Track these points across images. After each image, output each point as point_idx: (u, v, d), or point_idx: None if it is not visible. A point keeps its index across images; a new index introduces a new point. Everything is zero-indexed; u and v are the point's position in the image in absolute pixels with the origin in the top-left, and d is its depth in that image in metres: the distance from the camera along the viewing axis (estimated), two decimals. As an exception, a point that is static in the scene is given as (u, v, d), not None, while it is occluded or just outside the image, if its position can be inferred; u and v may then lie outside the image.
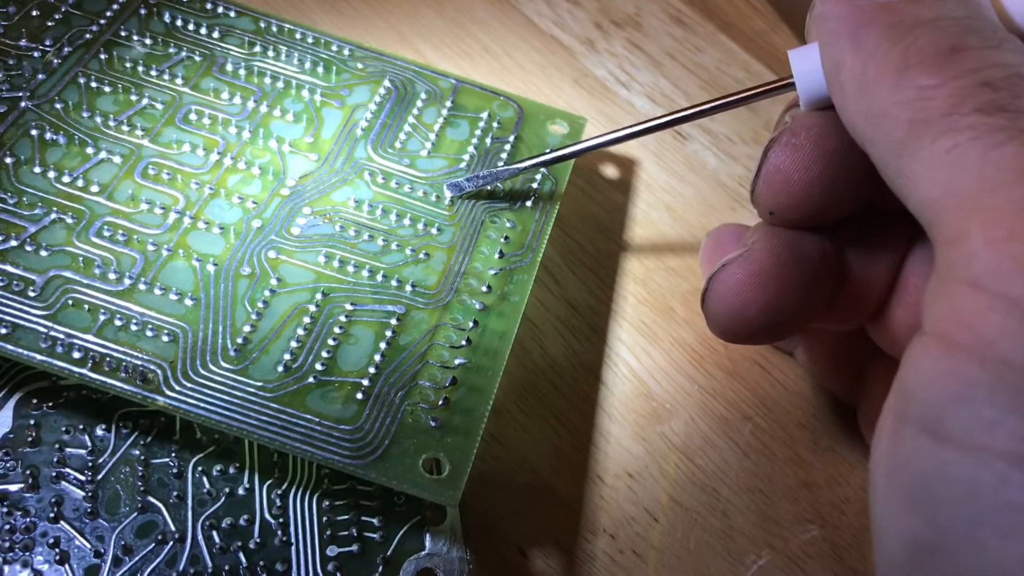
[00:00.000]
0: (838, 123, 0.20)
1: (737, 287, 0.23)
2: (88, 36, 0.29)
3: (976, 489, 0.15)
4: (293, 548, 0.23)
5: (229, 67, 0.30)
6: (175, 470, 0.24)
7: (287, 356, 0.24)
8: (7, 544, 0.22)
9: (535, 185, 0.29)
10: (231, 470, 0.24)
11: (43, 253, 0.24)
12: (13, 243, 0.24)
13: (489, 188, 0.29)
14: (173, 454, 0.24)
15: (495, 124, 0.31)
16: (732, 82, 0.38)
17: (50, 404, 0.24)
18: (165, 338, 0.23)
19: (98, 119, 0.28)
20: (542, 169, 0.30)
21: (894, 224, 0.24)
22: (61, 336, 0.23)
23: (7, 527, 0.22)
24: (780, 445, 0.28)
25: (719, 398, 0.29)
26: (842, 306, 0.24)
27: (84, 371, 0.22)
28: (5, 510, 0.23)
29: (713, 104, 0.25)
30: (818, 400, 0.29)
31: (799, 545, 0.26)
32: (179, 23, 0.31)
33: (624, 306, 0.31)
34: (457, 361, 0.25)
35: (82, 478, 0.23)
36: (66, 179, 0.26)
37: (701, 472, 0.27)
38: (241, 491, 0.24)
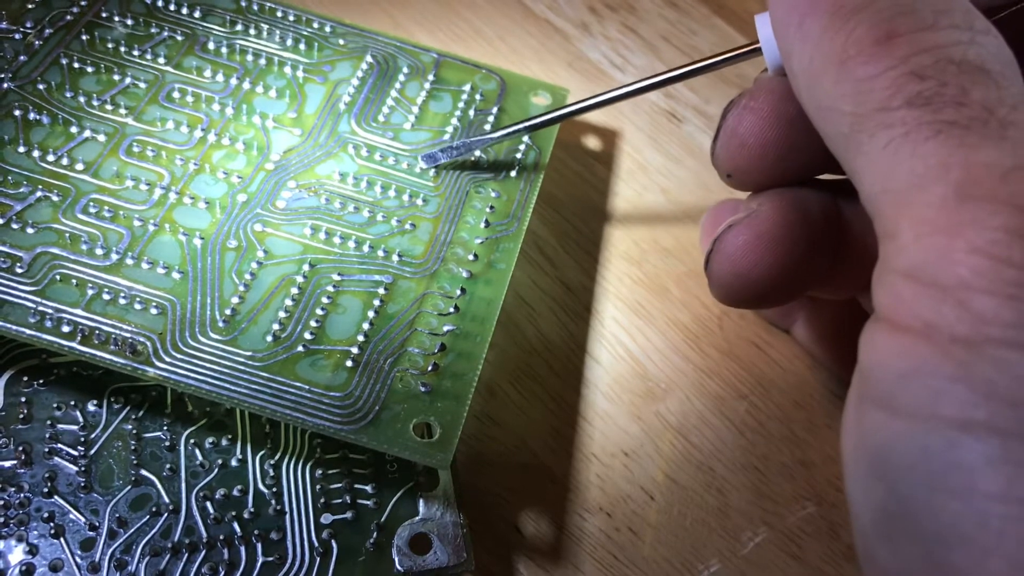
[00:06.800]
0: None
1: (744, 247, 0.24)
2: (69, 17, 0.32)
3: (928, 454, 0.17)
4: (287, 517, 0.25)
5: (211, 45, 0.32)
6: (167, 443, 0.26)
7: (276, 326, 0.25)
8: (2, 520, 0.24)
9: (519, 155, 0.31)
10: (223, 442, 0.26)
11: (29, 231, 0.26)
12: (-1, 221, 0.26)
13: (470, 158, 0.31)
14: (165, 427, 0.26)
15: (478, 96, 0.33)
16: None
17: (41, 381, 0.26)
18: (154, 311, 0.25)
19: (81, 99, 0.29)
20: (525, 139, 0.32)
21: None
22: (50, 310, 0.25)
23: (1, 503, 0.24)
24: (776, 423, 0.30)
25: (715, 377, 0.31)
26: (841, 272, 0.26)
27: (73, 344, 0.24)
28: (-1, 486, 0.24)
29: (685, 69, 0.26)
30: (814, 379, 0.31)
31: (795, 522, 0.28)
32: (160, 3, 0.33)
33: (619, 287, 0.32)
34: (445, 328, 0.26)
35: (75, 453, 0.25)
36: (51, 158, 0.28)
37: (697, 451, 0.29)
38: (234, 462, 0.25)
